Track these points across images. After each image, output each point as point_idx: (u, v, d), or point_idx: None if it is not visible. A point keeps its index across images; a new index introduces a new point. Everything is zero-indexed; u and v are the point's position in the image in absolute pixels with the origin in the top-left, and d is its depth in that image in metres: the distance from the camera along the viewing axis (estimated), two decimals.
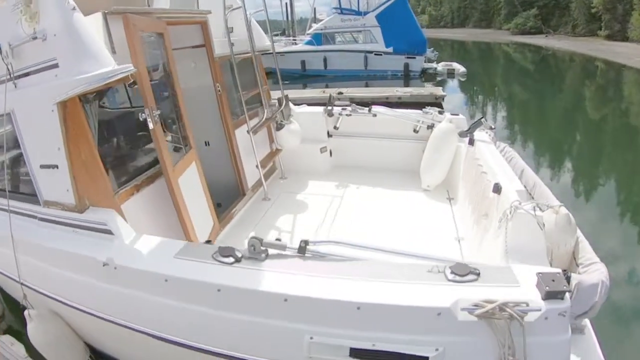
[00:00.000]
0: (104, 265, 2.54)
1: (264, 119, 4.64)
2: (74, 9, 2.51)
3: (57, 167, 2.82)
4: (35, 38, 2.63)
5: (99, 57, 2.52)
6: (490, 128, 4.54)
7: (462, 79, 19.70)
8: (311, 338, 2.12)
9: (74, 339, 3.32)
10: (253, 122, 4.61)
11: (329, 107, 5.50)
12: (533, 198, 3.18)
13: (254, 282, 2.20)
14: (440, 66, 20.69)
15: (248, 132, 4.41)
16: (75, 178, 2.77)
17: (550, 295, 1.94)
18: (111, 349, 3.43)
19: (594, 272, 2.40)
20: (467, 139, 4.40)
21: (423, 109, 5.15)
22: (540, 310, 1.92)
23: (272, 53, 5.35)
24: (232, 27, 4.48)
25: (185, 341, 2.44)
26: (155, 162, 3.32)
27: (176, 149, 3.60)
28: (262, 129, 4.71)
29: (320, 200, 4.73)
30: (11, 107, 3.01)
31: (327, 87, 17.54)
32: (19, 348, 3.69)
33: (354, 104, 5.60)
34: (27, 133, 3.01)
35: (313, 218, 4.36)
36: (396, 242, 3.12)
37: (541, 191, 3.40)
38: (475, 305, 1.90)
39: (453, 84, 19.81)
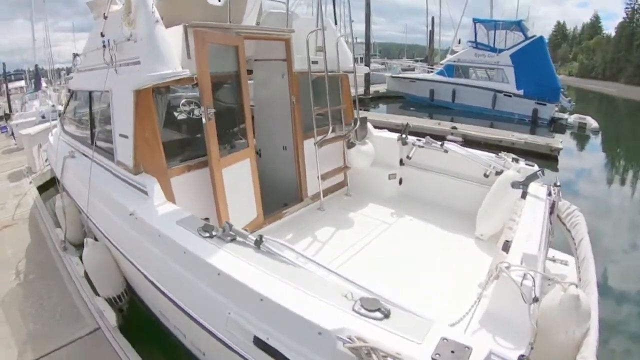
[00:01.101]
0: (130, 215, 3.34)
1: (328, 134, 4.93)
2: (157, 21, 3.36)
3: (127, 137, 3.67)
4: (129, 39, 3.47)
5: (167, 61, 3.34)
6: (555, 185, 4.13)
7: (593, 135, 18.09)
8: (229, 313, 2.37)
9: (114, 270, 4.15)
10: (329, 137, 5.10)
11: (403, 135, 5.55)
12: (548, 271, 2.90)
13: (206, 254, 2.56)
14: (572, 118, 19.24)
15: (314, 144, 4.90)
16: (137, 148, 3.61)
17: None
18: (135, 285, 4.15)
19: None
20: (520, 191, 4.06)
21: (498, 154, 4.90)
22: None
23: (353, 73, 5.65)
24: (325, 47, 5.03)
25: (160, 286, 2.96)
26: None
27: (232, 145, 4.31)
28: (328, 143, 5.10)
29: (368, 222, 4.82)
30: (110, 87, 3.96)
31: (452, 120, 17.25)
32: (80, 268, 4.65)
33: (428, 137, 5.56)
34: (116, 108, 3.90)
35: (351, 236, 4.46)
36: (405, 274, 3.56)
37: (586, 267, 3.04)
38: (349, 338, 1.82)
39: (580, 139, 18.13)
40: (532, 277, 2.46)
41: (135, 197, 3.54)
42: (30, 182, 9.06)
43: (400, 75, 28.49)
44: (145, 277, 3.13)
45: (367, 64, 24.07)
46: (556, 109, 20.34)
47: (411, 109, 23.09)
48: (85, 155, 4.69)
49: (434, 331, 1.90)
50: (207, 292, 2.52)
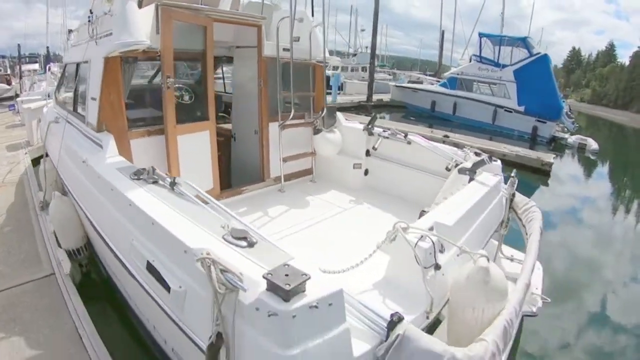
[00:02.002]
0: (82, 162, 3.71)
1: (289, 118, 5.11)
2: None
3: (95, 99, 3.98)
4: (106, 14, 3.92)
5: (133, 32, 3.68)
6: (511, 177, 3.94)
7: (592, 157, 18.04)
8: (132, 240, 2.59)
9: (76, 223, 4.48)
10: (298, 122, 5.39)
11: (369, 126, 5.61)
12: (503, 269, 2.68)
13: (127, 190, 2.84)
14: (573, 138, 19.16)
15: (279, 126, 5.10)
16: (101, 109, 3.92)
17: (271, 288, 1.74)
18: (90, 238, 4.43)
19: (465, 348, 1.94)
20: (468, 178, 4.15)
21: (463, 148, 4.96)
22: (244, 290, 1.77)
23: (325, 64, 5.81)
24: (299, 37, 5.32)
25: (94, 222, 3.32)
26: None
27: (192, 116, 4.60)
28: (293, 128, 5.34)
29: (324, 205, 4.93)
30: (89, 57, 4.31)
31: (451, 132, 16.92)
32: (50, 225, 4.94)
33: (393, 128, 5.71)
34: (92, 75, 4.19)
35: (300, 216, 4.56)
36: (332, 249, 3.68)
37: (526, 261, 2.95)
38: (200, 253, 1.89)
39: (578, 158, 18.12)
40: (432, 241, 2.46)
41: (92, 149, 3.87)
42: (26, 153, 9.53)
43: (403, 84, 28.68)
44: (87, 217, 3.47)
45: (372, 72, 24.44)
46: (557, 128, 20.35)
47: (412, 118, 23.31)
48: (67, 121, 5.01)
49: (289, 260, 1.92)
50: (120, 221, 2.80)
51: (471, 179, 4.09)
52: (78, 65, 5.12)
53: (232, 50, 5.78)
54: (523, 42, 21.31)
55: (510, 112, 20.53)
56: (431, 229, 2.63)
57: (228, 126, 6.06)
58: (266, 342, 1.73)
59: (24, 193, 6.81)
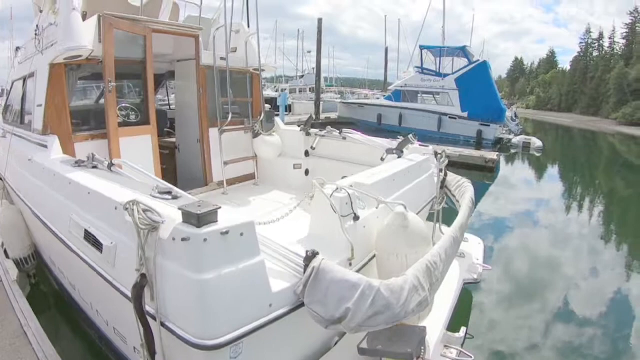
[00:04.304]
0: (28, 160, 3.88)
1: (226, 123, 5.17)
2: (74, 9, 3.83)
3: (41, 105, 4.11)
4: (51, 25, 4.10)
5: (76, 39, 3.79)
6: (437, 154, 4.32)
7: (537, 154, 18.45)
8: (72, 215, 2.71)
9: (23, 231, 4.53)
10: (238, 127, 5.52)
11: (306, 127, 5.75)
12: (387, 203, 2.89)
13: (67, 173, 3.00)
14: (517, 139, 19.69)
15: (218, 131, 5.14)
16: (46, 113, 4.06)
17: (186, 218, 1.83)
18: (38, 244, 4.53)
19: (372, 281, 2.01)
20: (396, 156, 4.37)
21: (396, 137, 4.97)
22: (162, 222, 1.90)
23: (260, 71, 5.90)
24: (237, 47, 5.54)
25: (38, 213, 3.40)
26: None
27: (134, 120, 4.76)
28: (232, 132, 5.40)
29: (265, 204, 5.00)
30: (36, 68, 4.47)
31: None
32: None
33: (329, 127, 5.79)
34: (38, 84, 4.33)
35: (240, 215, 4.43)
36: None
37: (451, 227, 3.03)
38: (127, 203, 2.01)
39: (522, 156, 18.77)
40: (348, 193, 2.58)
41: (37, 150, 3.99)
42: None
43: (350, 101, 29.08)
44: (32, 213, 3.54)
45: (318, 89, 24.67)
46: (503, 130, 20.85)
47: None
48: (13, 134, 5.00)
49: (206, 208, 1.91)
50: (61, 202, 2.94)
51: (399, 158, 4.30)
52: (25, 79, 5.22)
53: (174, 64, 5.98)
54: (462, 51, 21.93)
55: (455, 118, 20.84)
56: (351, 187, 2.73)
57: (172, 139, 6.21)
58: (182, 270, 1.84)
59: None
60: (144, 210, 1.94)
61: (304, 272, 2.03)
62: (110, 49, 4.12)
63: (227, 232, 1.82)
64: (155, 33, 4.68)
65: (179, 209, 1.85)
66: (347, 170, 5.26)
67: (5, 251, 4.65)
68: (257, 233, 1.99)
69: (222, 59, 5.18)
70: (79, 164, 3.19)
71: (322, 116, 25.38)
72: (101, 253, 2.34)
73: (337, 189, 2.59)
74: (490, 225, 8.61)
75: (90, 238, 2.48)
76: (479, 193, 10.43)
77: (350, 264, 2.50)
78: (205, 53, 5.28)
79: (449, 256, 2.60)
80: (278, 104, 25.34)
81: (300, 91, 41.14)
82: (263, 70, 6.07)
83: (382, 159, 4.83)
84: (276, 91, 34.08)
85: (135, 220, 1.89)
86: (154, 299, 1.92)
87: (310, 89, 37.59)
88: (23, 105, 5.25)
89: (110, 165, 3.03)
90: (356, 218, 2.62)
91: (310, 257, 2.02)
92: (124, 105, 5.32)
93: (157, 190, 2.32)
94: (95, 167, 3.12)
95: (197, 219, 1.78)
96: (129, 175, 2.91)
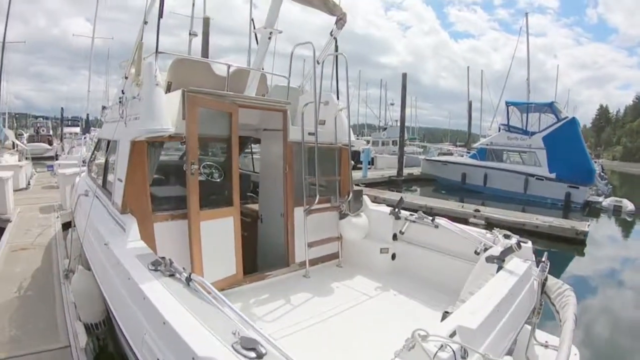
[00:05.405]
0: (104, 244, 3.69)
1: (314, 203, 5.08)
2: (157, 85, 3.87)
3: (122, 180, 4.07)
4: (135, 98, 4.05)
5: (158, 118, 3.80)
6: (542, 261, 3.80)
7: (629, 218, 17.24)
8: (145, 334, 2.54)
9: (96, 298, 4.28)
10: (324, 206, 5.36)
11: (396, 210, 5.49)
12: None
13: (142, 281, 2.81)
14: (608, 201, 18.55)
15: (304, 212, 5.07)
16: (126, 191, 3.99)
17: None
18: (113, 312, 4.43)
19: None
20: (496, 266, 3.83)
21: (492, 230, 4.73)
22: None
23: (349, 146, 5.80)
24: (325, 120, 5.49)
25: (112, 307, 3.26)
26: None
27: (216, 202, 4.58)
28: (318, 212, 5.28)
29: (349, 293, 4.71)
30: (119, 137, 4.45)
31: (482, 204, 16.39)
32: (72, 295, 4.96)
33: (420, 212, 5.50)
34: (120, 156, 4.30)
35: (323, 305, 4.36)
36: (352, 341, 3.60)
37: (560, 355, 2.67)
38: None
39: (615, 222, 17.50)
40: (453, 350, 2.24)
41: (115, 231, 3.86)
42: (57, 217, 9.80)
43: (433, 158, 28.54)
44: (106, 300, 3.43)
45: (402, 146, 24.78)
46: (591, 192, 19.74)
47: (442, 192, 22.85)
48: (95, 195, 5.08)
49: None
50: (136, 314, 2.74)
51: (499, 268, 3.78)
52: (109, 142, 5.29)
53: (260, 132, 5.90)
54: (550, 107, 21.18)
55: (542, 180, 20.05)
56: (453, 334, 2.43)
57: (255, 206, 6.02)
58: None
59: (49, 258, 6.90)
60: None
61: None
62: (193, 128, 4.03)
63: None
64: (242, 108, 4.56)
65: None
66: (437, 259, 5.04)
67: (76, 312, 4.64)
68: None
69: (310, 134, 5.09)
70: (155, 266, 3.00)
71: (405, 172, 25.37)
72: None
73: (442, 346, 2.26)
74: (586, 319, 6.99)
75: None
76: (570, 270, 9.48)
77: None
78: (293, 128, 5.12)
79: None
80: (361, 158, 25.69)
81: (382, 144, 41.10)
82: (352, 147, 5.94)
83: (477, 253, 4.49)
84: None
85: None
86: None
87: (393, 141, 37.76)
88: (106, 168, 5.25)
89: (189, 279, 2.81)
90: None
91: None
92: (207, 163, 5.26)
93: (240, 342, 2.13)
94: (172, 275, 2.93)
95: None
96: (207, 296, 2.66)
